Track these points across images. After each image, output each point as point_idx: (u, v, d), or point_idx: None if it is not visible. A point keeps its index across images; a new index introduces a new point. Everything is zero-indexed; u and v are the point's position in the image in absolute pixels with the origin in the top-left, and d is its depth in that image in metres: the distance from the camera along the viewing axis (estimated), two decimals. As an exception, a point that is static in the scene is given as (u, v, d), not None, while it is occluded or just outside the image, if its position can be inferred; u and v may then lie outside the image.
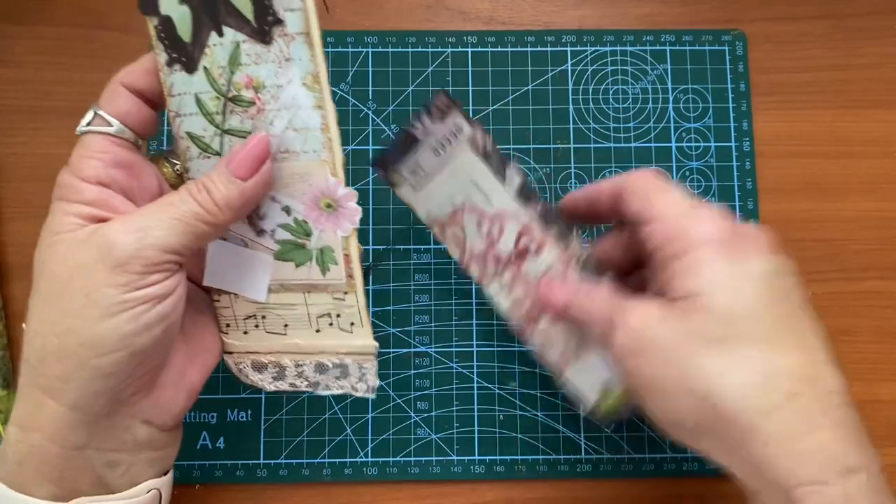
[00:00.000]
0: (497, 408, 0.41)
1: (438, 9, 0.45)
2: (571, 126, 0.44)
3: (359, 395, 0.33)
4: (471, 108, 0.44)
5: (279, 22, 0.28)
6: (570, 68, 0.44)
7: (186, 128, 0.30)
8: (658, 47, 0.44)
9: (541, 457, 0.41)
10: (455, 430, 0.41)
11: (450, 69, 0.44)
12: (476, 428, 0.41)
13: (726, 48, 0.44)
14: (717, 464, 0.29)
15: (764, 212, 0.43)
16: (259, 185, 0.29)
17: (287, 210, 0.31)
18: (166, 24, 0.29)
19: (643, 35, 0.44)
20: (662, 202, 0.29)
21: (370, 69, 0.44)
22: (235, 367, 0.34)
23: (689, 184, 0.43)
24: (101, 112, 0.29)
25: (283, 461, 0.40)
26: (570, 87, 0.44)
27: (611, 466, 0.41)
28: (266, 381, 0.34)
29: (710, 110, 0.44)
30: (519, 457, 0.41)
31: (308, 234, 0.31)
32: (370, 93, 0.44)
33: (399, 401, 0.41)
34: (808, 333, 0.27)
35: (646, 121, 0.44)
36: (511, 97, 0.44)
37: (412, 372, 0.41)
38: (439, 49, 0.44)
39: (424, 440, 0.41)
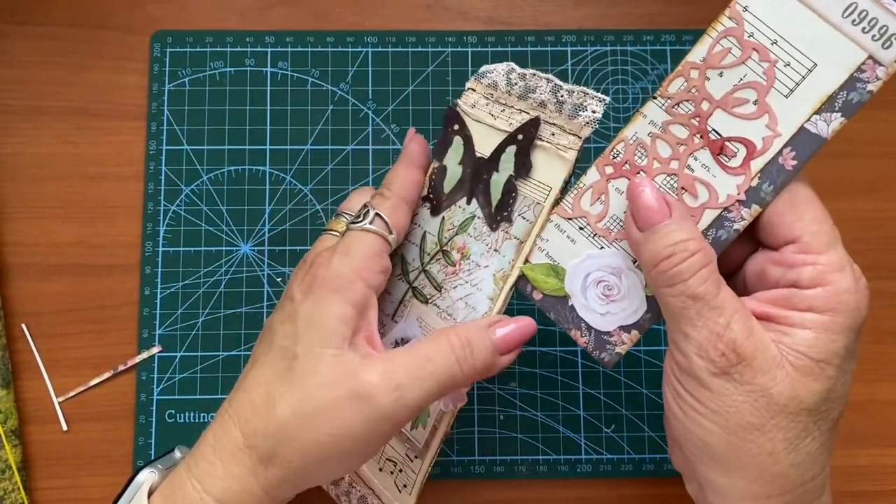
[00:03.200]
0: (497, 408, 0.41)
1: (438, 9, 0.45)
2: (571, 126, 0.44)
3: None
4: (471, 107, 0.44)
5: (509, 220, 0.32)
6: (570, 68, 0.44)
7: (403, 251, 0.34)
8: (658, 47, 0.44)
9: (541, 457, 0.41)
10: (455, 430, 0.41)
11: (450, 69, 0.44)
12: (476, 428, 0.41)
13: (726, 48, 0.44)
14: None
15: (764, 212, 0.43)
16: (509, 362, 0.30)
17: None
18: (440, 172, 0.33)
19: (643, 35, 0.44)
20: (819, 232, 0.28)
21: (370, 69, 0.44)
22: None
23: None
24: (385, 217, 0.31)
25: (283, 461, 0.40)
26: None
27: (611, 466, 0.41)
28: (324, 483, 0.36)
29: (710, 110, 0.44)
30: (519, 457, 0.41)
31: None
32: (370, 93, 0.44)
33: (399, 401, 0.41)
34: None
35: (646, 121, 0.44)
36: (511, 97, 0.44)
37: (412, 372, 0.41)
38: (439, 49, 0.44)
39: (424, 440, 0.41)
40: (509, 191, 0.32)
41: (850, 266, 0.28)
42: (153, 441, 0.40)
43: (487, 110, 0.32)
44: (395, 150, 0.43)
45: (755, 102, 0.27)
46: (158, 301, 0.42)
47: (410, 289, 0.34)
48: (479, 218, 0.32)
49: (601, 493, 0.41)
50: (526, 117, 0.31)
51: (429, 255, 0.33)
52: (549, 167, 0.31)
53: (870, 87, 0.26)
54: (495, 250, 0.32)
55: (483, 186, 0.32)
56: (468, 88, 0.33)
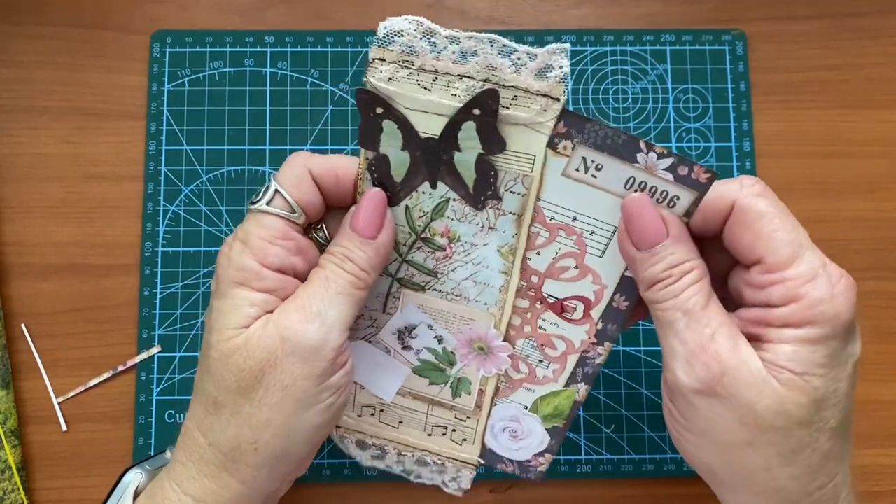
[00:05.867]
0: (497, 408, 0.41)
1: (438, 9, 0.45)
2: (571, 126, 0.44)
3: (447, 491, 0.35)
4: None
5: (497, 198, 0.30)
6: (570, 68, 0.44)
7: None
8: (658, 47, 0.44)
9: (541, 457, 0.41)
10: (455, 431, 0.41)
11: (449, 69, 0.44)
12: (476, 428, 0.41)
13: (726, 48, 0.44)
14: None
15: (764, 212, 0.43)
16: (388, 237, 0.30)
17: (439, 339, 0.33)
18: (381, 161, 0.30)
19: (643, 35, 0.44)
20: (780, 247, 0.27)
21: (370, 69, 0.44)
22: (338, 437, 0.35)
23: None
24: (285, 195, 0.29)
25: (283, 461, 0.40)
26: (570, 87, 0.44)
27: (611, 467, 0.41)
28: (365, 458, 0.35)
29: (711, 110, 0.44)
30: (519, 457, 0.41)
31: (451, 364, 0.33)
32: (370, 93, 0.44)
33: (399, 401, 0.41)
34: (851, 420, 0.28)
35: (646, 121, 0.44)
36: (511, 97, 0.44)
37: (412, 372, 0.41)
38: (439, 49, 0.44)
39: (424, 440, 0.41)
40: (486, 169, 0.29)
41: (824, 270, 0.27)
42: (153, 441, 0.40)
43: (414, 82, 0.28)
44: (394, 150, 0.43)
45: (576, 267, 0.30)
46: (158, 301, 0.42)
47: (395, 280, 0.32)
48: (454, 200, 0.30)
49: (601, 493, 0.41)
50: (473, 84, 0.28)
51: (405, 245, 0.31)
52: (525, 137, 0.28)
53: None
54: (491, 228, 0.31)
55: (447, 168, 0.29)
56: (373, 59, 0.28)
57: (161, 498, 0.29)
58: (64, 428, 0.41)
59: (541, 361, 0.32)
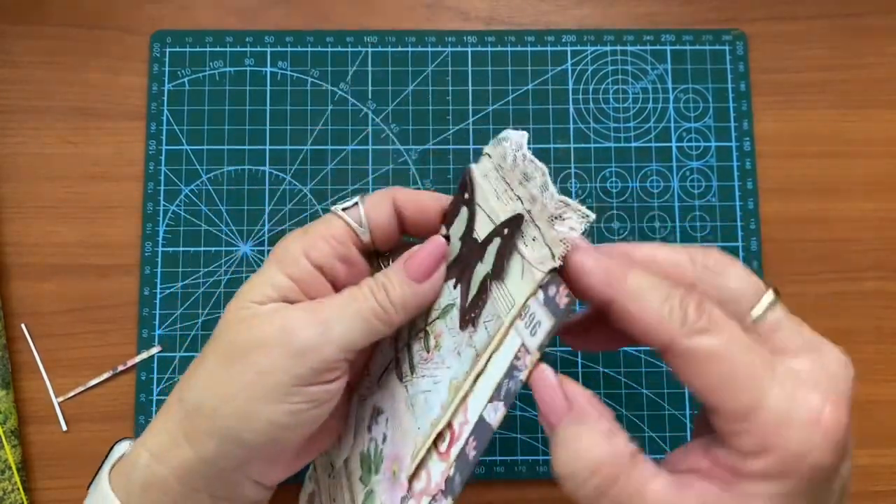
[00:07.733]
0: (497, 408, 0.41)
1: (438, 8, 0.45)
2: (571, 126, 0.44)
3: None
4: (470, 107, 0.44)
5: (474, 325, 0.28)
6: (570, 68, 0.44)
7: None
8: (658, 47, 0.44)
9: (541, 457, 0.41)
10: (455, 431, 0.41)
11: (449, 69, 0.44)
12: (476, 428, 0.41)
13: (727, 48, 0.44)
14: None
15: (764, 212, 0.43)
16: (432, 290, 0.30)
17: (384, 438, 0.31)
18: (445, 240, 0.31)
19: (643, 35, 0.44)
20: (737, 395, 0.22)
21: (370, 69, 0.44)
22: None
23: (689, 184, 0.43)
24: (360, 208, 0.30)
25: (283, 461, 0.40)
26: (570, 86, 0.44)
27: (611, 467, 0.41)
28: None
29: (711, 110, 0.44)
30: (519, 457, 0.41)
31: (376, 472, 0.31)
32: (370, 92, 0.44)
33: (399, 401, 0.41)
34: None
35: (646, 120, 0.44)
36: (511, 97, 0.44)
37: (412, 372, 0.41)
38: (439, 49, 0.44)
39: (424, 440, 0.41)
40: (482, 291, 0.28)
41: (795, 405, 0.21)
42: (153, 441, 0.40)
43: (494, 186, 0.29)
44: (394, 150, 0.43)
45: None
46: (158, 301, 0.42)
47: (394, 359, 0.32)
48: (457, 308, 0.29)
49: (601, 494, 0.41)
50: (518, 207, 0.27)
51: (417, 329, 0.31)
52: (520, 279, 0.26)
53: (521, 375, 0.25)
54: (458, 353, 0.28)
55: (468, 274, 0.29)
56: (485, 153, 0.29)
57: (127, 454, 0.30)
58: (64, 428, 0.41)
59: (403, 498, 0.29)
